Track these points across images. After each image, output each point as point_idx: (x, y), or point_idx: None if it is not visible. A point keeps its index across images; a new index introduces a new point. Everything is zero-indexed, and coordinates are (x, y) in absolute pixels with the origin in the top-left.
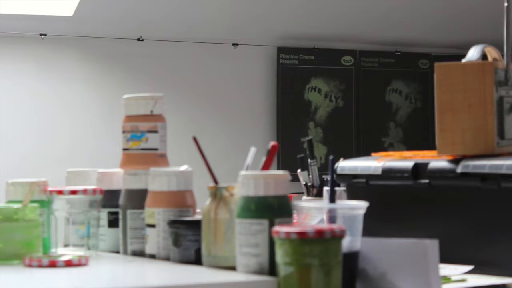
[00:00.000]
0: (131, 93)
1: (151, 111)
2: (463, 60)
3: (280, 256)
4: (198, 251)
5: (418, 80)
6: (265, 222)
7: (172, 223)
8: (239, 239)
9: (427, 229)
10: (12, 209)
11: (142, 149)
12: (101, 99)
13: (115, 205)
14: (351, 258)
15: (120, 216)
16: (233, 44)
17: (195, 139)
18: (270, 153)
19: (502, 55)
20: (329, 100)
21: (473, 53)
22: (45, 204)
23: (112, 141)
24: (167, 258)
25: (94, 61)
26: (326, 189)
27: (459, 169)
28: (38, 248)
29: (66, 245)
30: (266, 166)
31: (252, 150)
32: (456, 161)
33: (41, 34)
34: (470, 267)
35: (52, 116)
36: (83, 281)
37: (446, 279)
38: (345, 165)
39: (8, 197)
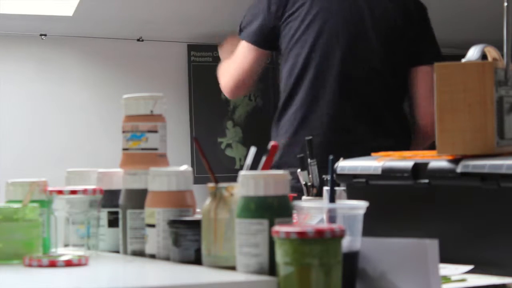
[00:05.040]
0: (131, 93)
1: (151, 111)
2: (463, 60)
3: (280, 256)
4: (198, 251)
5: None
6: (265, 222)
7: (172, 223)
8: (239, 239)
9: (427, 229)
10: (12, 209)
11: (142, 149)
12: (100, 99)
13: (115, 205)
14: (351, 258)
15: (120, 216)
16: None
17: (195, 139)
18: (270, 153)
19: (502, 55)
20: None
21: (473, 53)
22: (45, 204)
23: (112, 141)
24: (167, 258)
25: (94, 61)
26: (326, 189)
27: (459, 169)
28: (38, 248)
29: (66, 245)
30: (266, 166)
31: (252, 150)
32: (456, 161)
33: (41, 35)
34: (470, 267)
35: (52, 115)
36: (83, 281)
37: (446, 279)
38: (345, 165)
39: (8, 197)
